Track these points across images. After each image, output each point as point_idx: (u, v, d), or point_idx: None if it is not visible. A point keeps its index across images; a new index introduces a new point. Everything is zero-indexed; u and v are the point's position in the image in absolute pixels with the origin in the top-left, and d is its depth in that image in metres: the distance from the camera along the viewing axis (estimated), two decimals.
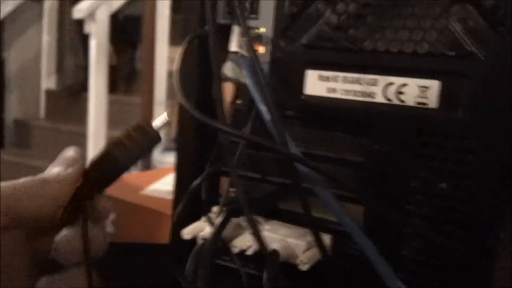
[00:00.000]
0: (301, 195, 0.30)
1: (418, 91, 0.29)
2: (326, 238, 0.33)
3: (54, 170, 0.29)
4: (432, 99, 0.28)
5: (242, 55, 0.32)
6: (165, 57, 2.60)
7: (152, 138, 0.29)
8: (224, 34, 0.35)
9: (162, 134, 0.30)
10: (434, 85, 0.28)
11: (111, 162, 0.28)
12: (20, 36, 2.73)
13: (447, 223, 0.29)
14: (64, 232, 0.28)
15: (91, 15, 2.40)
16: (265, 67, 0.34)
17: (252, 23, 0.34)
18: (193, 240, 0.34)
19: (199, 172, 0.36)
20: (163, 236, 0.56)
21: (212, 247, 0.30)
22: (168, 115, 0.31)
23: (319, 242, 0.31)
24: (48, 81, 2.85)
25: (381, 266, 0.27)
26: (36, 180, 0.28)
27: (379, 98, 0.30)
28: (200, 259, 0.30)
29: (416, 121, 0.29)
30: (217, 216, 0.32)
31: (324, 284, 0.33)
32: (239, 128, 0.34)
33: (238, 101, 0.36)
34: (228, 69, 0.35)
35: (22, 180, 0.28)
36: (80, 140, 2.19)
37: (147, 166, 2.12)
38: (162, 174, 0.73)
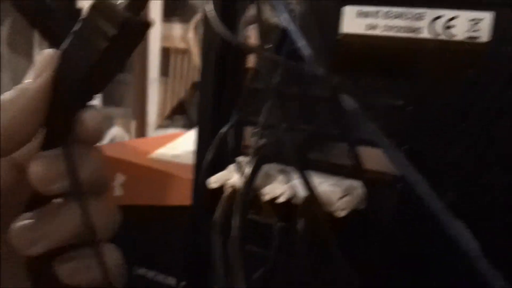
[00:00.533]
0: (346, 135, 0.28)
1: (469, 24, 0.27)
2: (360, 187, 0.31)
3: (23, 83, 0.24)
4: (484, 32, 0.27)
5: None
6: (158, 34, 2.56)
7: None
8: None
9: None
10: (486, 17, 0.26)
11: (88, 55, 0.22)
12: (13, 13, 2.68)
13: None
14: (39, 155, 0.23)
15: None
16: (296, 7, 0.32)
17: None
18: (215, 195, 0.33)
19: (219, 126, 0.34)
20: (173, 199, 0.55)
21: (246, 191, 0.28)
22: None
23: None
24: None
25: (437, 206, 0.26)
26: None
27: (425, 34, 0.28)
28: (234, 206, 0.29)
29: (467, 57, 0.27)
30: (248, 163, 0.30)
31: (360, 234, 0.31)
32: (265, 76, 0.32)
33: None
34: (254, 10, 0.33)
35: None
36: None
37: None
38: (168, 139, 0.72)
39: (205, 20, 0.34)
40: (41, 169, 0.23)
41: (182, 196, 0.53)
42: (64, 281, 0.24)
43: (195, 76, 2.68)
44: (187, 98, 2.64)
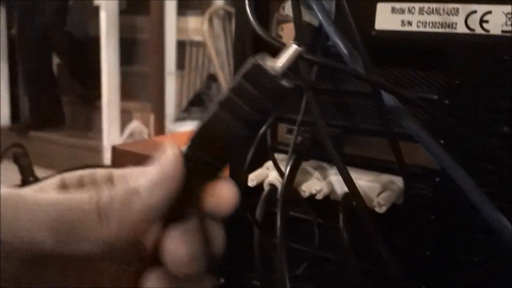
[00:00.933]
0: (387, 130, 0.28)
1: (504, 18, 0.27)
2: (398, 182, 0.32)
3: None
4: None
5: None
6: (173, 27, 2.57)
7: (269, 76, 0.21)
8: None
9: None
10: None
11: (219, 127, 0.21)
12: (29, 11, 2.70)
13: None
14: (172, 234, 0.22)
15: None
16: (331, 4, 0.32)
17: None
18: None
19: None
20: None
21: (287, 189, 0.29)
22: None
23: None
24: None
25: (479, 198, 0.26)
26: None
27: (461, 28, 0.28)
28: (275, 203, 0.29)
29: (502, 50, 0.27)
30: (288, 160, 0.31)
31: (399, 226, 0.32)
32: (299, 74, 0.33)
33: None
34: (289, 6, 0.33)
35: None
36: None
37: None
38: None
39: (238, 19, 0.34)
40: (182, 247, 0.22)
41: None
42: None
43: (211, 68, 2.68)
44: (203, 90, 2.64)
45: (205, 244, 0.22)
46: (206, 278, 0.23)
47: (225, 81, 2.57)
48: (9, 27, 2.66)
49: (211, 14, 2.58)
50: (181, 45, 2.72)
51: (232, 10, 2.50)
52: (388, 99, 0.28)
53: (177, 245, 0.22)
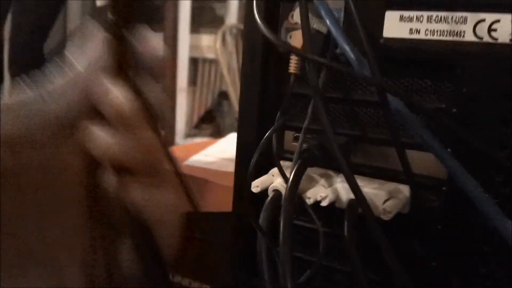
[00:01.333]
0: (393, 135, 0.28)
1: None
2: (405, 191, 0.31)
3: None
4: None
5: None
6: (187, 44, 2.59)
7: None
8: None
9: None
10: None
11: None
12: None
13: None
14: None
15: None
16: (338, 13, 0.32)
17: None
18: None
19: (262, 131, 0.34)
20: (210, 205, 0.55)
21: (291, 195, 0.28)
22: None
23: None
24: None
25: (487, 205, 0.26)
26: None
27: (469, 37, 0.28)
28: (279, 208, 0.29)
29: (510, 59, 0.27)
30: (293, 165, 0.31)
31: (405, 236, 0.31)
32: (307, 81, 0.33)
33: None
34: (297, 14, 0.33)
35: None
36: None
37: None
38: (201, 146, 0.73)
39: (248, 25, 0.34)
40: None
41: (219, 202, 0.53)
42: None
43: (222, 85, 2.70)
44: (215, 106, 2.66)
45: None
46: None
47: (236, 98, 2.58)
48: None
49: (224, 32, 2.61)
50: (194, 62, 2.74)
51: None
52: (395, 104, 0.28)
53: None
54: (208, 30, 2.79)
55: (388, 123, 0.29)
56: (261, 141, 0.31)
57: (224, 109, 2.65)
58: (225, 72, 2.62)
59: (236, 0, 2.74)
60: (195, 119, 2.73)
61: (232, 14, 2.81)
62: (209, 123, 2.75)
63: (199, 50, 2.77)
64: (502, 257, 0.28)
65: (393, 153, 0.30)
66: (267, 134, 0.31)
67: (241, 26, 2.70)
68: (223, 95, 2.71)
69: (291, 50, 0.28)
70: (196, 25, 2.76)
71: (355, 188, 0.27)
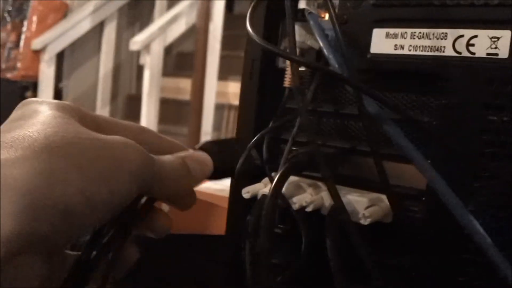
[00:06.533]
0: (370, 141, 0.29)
1: (489, 42, 0.28)
2: (387, 200, 0.32)
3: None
4: (503, 49, 0.28)
5: (310, 12, 0.32)
6: (214, 90, 2.66)
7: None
8: None
9: None
10: (505, 35, 0.28)
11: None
12: (79, 67, 2.86)
13: None
14: None
15: (147, 47, 2.50)
16: (330, 33, 0.34)
17: None
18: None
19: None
20: (216, 228, 0.57)
21: (274, 193, 0.30)
22: None
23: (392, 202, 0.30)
24: (102, 111, 2.94)
25: (462, 213, 0.27)
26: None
27: (449, 52, 0.30)
28: (262, 210, 0.30)
29: (487, 72, 0.28)
30: (279, 170, 0.32)
31: (384, 244, 0.32)
32: (303, 90, 0.34)
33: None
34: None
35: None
36: None
37: None
38: None
39: (248, 40, 0.37)
40: None
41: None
42: None
43: None
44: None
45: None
46: None
47: None
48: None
49: None
50: (220, 108, 2.79)
51: None
52: (376, 112, 0.29)
53: None
54: (235, 77, 2.85)
55: (369, 136, 0.30)
56: (249, 144, 0.32)
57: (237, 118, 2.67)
58: None
59: None
60: None
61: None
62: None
63: (226, 96, 2.83)
64: (481, 265, 0.29)
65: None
66: (256, 137, 0.32)
67: None
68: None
69: (276, 51, 0.30)
70: (224, 72, 2.83)
71: (332, 190, 0.29)
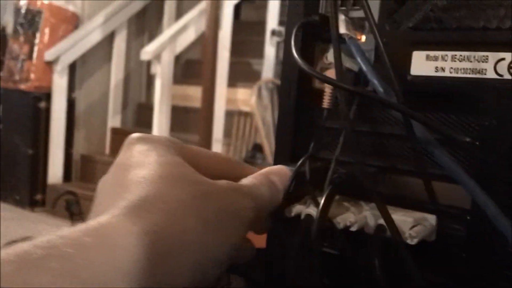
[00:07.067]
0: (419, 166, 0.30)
1: None
2: (431, 219, 0.33)
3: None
4: None
5: (350, 37, 0.33)
6: (223, 98, 2.67)
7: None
8: (325, 25, 0.37)
9: None
10: None
11: None
12: (90, 77, 2.88)
13: None
14: None
15: (157, 56, 2.52)
16: (369, 54, 0.35)
17: (354, 13, 0.36)
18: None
19: (293, 161, 0.37)
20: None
21: (321, 217, 0.30)
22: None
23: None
24: (113, 120, 2.96)
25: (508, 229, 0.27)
26: None
27: (491, 74, 0.30)
28: (308, 230, 0.31)
29: None
30: (324, 191, 0.33)
31: (429, 263, 0.33)
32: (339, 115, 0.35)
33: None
34: (331, 55, 0.36)
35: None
36: None
37: None
38: None
39: (285, 61, 0.37)
40: None
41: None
42: None
43: (257, 138, 2.75)
44: (248, 159, 2.70)
45: None
46: None
47: (270, 151, 2.61)
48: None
49: (259, 87, 2.68)
50: (230, 115, 2.81)
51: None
52: (421, 134, 0.30)
53: None
54: (244, 84, 2.86)
55: (413, 152, 0.31)
56: (294, 169, 0.33)
57: (258, 161, 2.69)
58: (260, 125, 2.67)
59: (271, 55, 2.82)
60: None
61: (268, 69, 2.88)
62: None
63: (235, 103, 2.84)
64: None
65: (419, 184, 0.32)
66: (299, 161, 0.33)
67: (277, 81, 2.77)
68: (257, 148, 2.76)
69: (323, 78, 0.31)
70: (233, 79, 2.84)
71: (383, 211, 0.29)
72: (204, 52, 2.51)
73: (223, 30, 2.60)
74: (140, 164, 0.25)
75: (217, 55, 2.49)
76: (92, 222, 0.21)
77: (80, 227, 0.21)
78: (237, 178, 0.30)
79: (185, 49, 2.79)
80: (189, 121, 2.85)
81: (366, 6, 0.32)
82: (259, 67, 2.89)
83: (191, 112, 2.82)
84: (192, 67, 3.03)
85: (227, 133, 2.79)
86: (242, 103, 2.81)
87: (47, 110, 2.63)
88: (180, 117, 2.84)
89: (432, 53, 0.32)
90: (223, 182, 0.27)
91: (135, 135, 0.27)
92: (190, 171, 0.26)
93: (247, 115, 2.78)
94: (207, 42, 2.43)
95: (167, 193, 0.24)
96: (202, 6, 2.57)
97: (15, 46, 2.60)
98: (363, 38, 0.36)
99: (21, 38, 2.59)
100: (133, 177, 0.24)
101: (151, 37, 2.89)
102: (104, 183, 0.26)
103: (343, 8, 0.36)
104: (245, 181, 0.30)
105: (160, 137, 0.27)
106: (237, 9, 3.07)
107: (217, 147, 2.60)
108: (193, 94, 2.77)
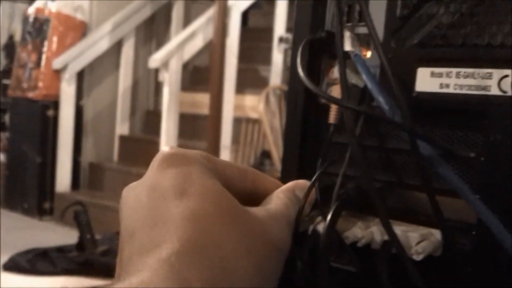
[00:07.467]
0: (423, 177, 0.30)
1: None
2: (437, 234, 0.33)
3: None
4: None
5: (356, 54, 0.34)
6: (231, 104, 2.68)
7: None
8: (331, 41, 0.37)
9: None
10: None
11: None
12: (98, 85, 2.90)
13: None
14: None
15: (165, 64, 2.53)
16: (375, 70, 0.35)
17: (360, 30, 0.36)
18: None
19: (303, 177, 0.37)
20: None
21: (328, 232, 0.31)
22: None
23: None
24: (122, 127, 2.98)
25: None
26: None
27: (494, 91, 0.31)
28: (316, 246, 0.31)
29: None
30: (331, 206, 0.33)
31: (436, 278, 0.33)
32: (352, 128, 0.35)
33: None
34: (337, 71, 0.37)
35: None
36: None
37: None
38: None
39: (291, 77, 0.38)
40: None
41: None
42: None
43: (265, 144, 2.75)
44: (257, 165, 2.71)
45: None
46: None
47: (278, 158, 2.61)
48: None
49: (267, 93, 2.68)
50: (238, 121, 2.81)
51: None
52: (426, 150, 0.30)
53: None
54: (252, 91, 2.87)
55: (418, 168, 0.31)
56: (307, 188, 0.34)
57: (266, 167, 2.69)
58: (267, 131, 2.68)
59: (279, 62, 2.83)
60: None
61: (276, 76, 2.89)
62: None
63: (243, 109, 2.85)
64: None
65: (425, 199, 0.32)
66: (311, 182, 0.34)
67: (284, 87, 2.78)
68: (265, 154, 2.76)
69: (329, 98, 0.31)
70: (241, 86, 2.85)
71: (388, 227, 0.30)
72: (212, 59, 2.53)
73: (231, 37, 2.61)
74: (181, 192, 0.23)
75: (224, 62, 2.50)
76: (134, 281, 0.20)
77: None
78: (261, 193, 0.30)
79: (193, 56, 2.80)
80: (197, 128, 2.86)
81: (370, 24, 0.32)
82: (267, 73, 2.90)
83: (199, 119, 2.83)
84: (200, 74, 3.05)
85: (235, 139, 2.79)
86: (250, 109, 2.82)
87: (55, 118, 2.65)
88: (188, 124, 2.85)
89: (436, 70, 0.33)
90: (261, 211, 0.26)
91: (168, 151, 0.24)
92: (234, 203, 0.24)
93: (255, 121, 2.79)
94: (215, 49, 2.44)
95: (217, 235, 0.22)
96: (209, 13, 2.59)
97: (23, 54, 2.63)
98: (369, 54, 0.36)
99: (29, 46, 2.62)
100: (174, 210, 0.22)
101: (159, 45, 2.91)
102: (136, 206, 0.23)
103: (349, 24, 0.37)
104: (277, 201, 0.29)
105: (195, 154, 0.25)
106: (245, 16, 3.08)
107: (225, 153, 2.61)
108: (201, 101, 2.78)
